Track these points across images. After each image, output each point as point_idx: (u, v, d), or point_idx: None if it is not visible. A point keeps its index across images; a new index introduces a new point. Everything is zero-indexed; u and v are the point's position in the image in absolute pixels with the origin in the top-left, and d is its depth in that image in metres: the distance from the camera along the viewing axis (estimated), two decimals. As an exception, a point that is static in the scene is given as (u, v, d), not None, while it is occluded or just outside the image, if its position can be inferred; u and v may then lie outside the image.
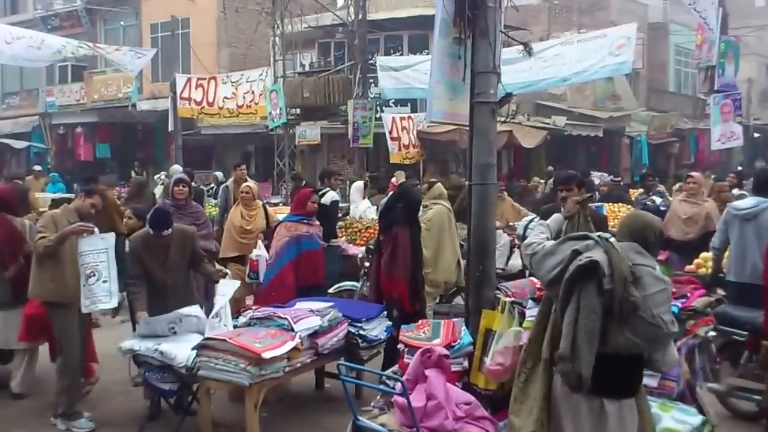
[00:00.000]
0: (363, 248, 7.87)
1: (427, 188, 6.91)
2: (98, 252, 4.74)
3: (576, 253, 3.03)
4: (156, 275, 5.08)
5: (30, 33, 11.21)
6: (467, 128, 4.89)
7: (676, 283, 4.72)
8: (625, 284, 2.91)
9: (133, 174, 17.89)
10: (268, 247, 6.94)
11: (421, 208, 6.61)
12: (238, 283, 5.56)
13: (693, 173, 8.07)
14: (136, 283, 5.03)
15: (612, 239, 3.10)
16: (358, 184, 11.51)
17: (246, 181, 8.40)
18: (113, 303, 4.86)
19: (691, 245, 7.16)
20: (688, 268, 6.74)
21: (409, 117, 16.14)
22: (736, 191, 9.22)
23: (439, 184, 7.25)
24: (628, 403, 3.13)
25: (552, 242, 3.26)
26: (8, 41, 10.11)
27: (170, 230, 4.99)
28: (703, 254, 6.80)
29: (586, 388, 2.94)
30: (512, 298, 4.41)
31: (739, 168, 16.94)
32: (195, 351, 4.42)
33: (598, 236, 3.09)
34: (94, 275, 4.72)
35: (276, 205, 14.41)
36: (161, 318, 4.78)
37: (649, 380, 3.73)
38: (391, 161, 15.97)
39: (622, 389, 3.11)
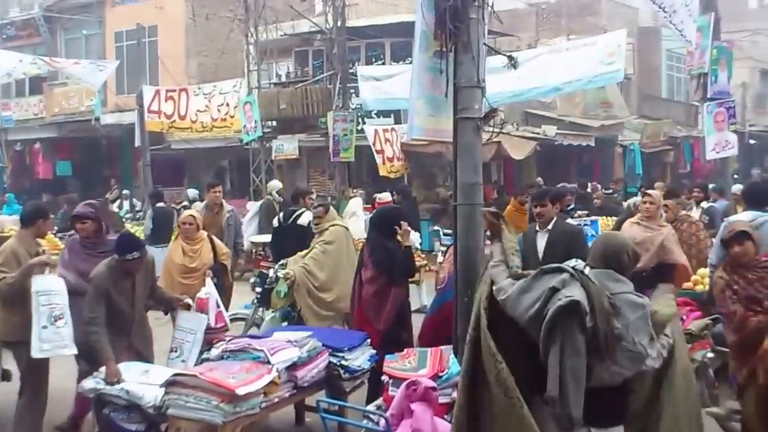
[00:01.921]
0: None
1: (324, 211, 6.95)
2: (64, 294, 4.73)
3: (553, 290, 3.08)
4: (124, 311, 4.95)
5: None
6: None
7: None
8: (608, 318, 2.96)
9: (108, 195, 17.69)
10: (222, 286, 6.48)
11: (315, 230, 6.76)
12: (205, 318, 5.46)
13: (650, 191, 7.15)
14: (99, 324, 4.74)
15: (587, 270, 3.15)
16: (358, 200, 11.58)
17: (221, 205, 7.99)
18: (74, 349, 4.81)
19: (643, 278, 5.64)
20: (685, 285, 6.79)
21: (393, 129, 16.20)
22: (705, 204, 9.29)
23: (332, 208, 7.31)
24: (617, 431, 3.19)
25: (527, 278, 3.28)
26: None
27: (139, 252, 4.89)
28: (701, 270, 6.85)
29: (579, 426, 2.97)
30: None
31: (735, 176, 17.19)
32: (164, 388, 4.36)
33: (573, 269, 3.14)
34: (62, 318, 4.68)
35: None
36: (133, 366, 4.73)
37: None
38: (380, 173, 16.02)
39: (610, 418, 3.16)
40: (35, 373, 4.75)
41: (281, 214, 7.79)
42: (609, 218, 10.66)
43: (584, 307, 2.97)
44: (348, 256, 6.73)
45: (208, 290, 5.66)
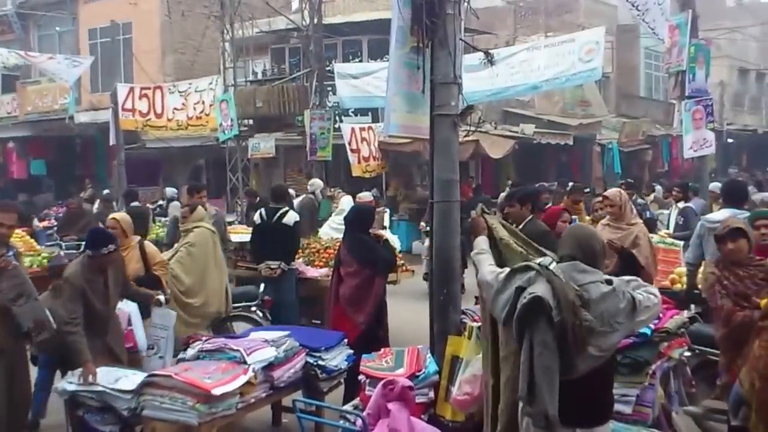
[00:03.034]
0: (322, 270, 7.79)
1: (189, 211, 6.85)
2: None
3: (520, 290, 3.10)
4: (99, 310, 4.90)
5: None
6: (430, 140, 4.93)
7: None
8: (574, 311, 2.98)
9: (83, 194, 17.40)
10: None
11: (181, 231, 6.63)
12: (174, 314, 5.35)
13: (607, 192, 6.83)
14: (78, 324, 4.70)
15: (553, 265, 3.16)
16: (348, 198, 11.54)
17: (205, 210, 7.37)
18: None
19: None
20: (663, 284, 6.86)
21: (370, 127, 16.17)
22: (681, 204, 9.33)
23: (201, 208, 7.09)
24: (603, 430, 3.18)
25: (502, 276, 3.31)
26: None
27: (112, 247, 4.86)
28: (678, 269, 6.93)
29: (556, 425, 2.97)
30: (479, 323, 4.43)
31: (712, 175, 17.40)
32: (138, 389, 4.31)
33: (539, 264, 3.16)
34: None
35: (231, 223, 14.27)
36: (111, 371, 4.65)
37: (623, 407, 3.79)
38: (353, 174, 15.99)
39: (595, 416, 3.17)
40: None
41: (263, 212, 7.66)
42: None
43: (548, 302, 2.98)
44: (215, 258, 6.61)
45: (121, 307, 5.27)
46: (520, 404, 3.09)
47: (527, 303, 3.01)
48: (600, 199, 7.56)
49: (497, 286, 3.26)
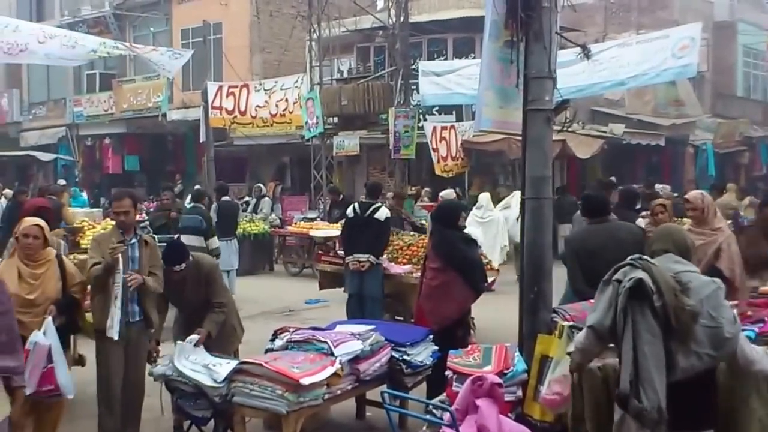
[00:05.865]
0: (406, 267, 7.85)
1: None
2: None
3: (617, 283, 3.06)
4: (174, 303, 5.28)
5: (63, 32, 11.54)
6: (517, 137, 4.88)
7: (752, 306, 4.60)
8: (675, 294, 2.92)
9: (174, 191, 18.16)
10: (71, 328, 4.73)
11: None
12: None
13: (688, 194, 6.29)
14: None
15: (645, 257, 3.13)
16: (487, 195, 11.70)
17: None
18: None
19: None
20: (762, 289, 6.53)
21: (452, 126, 16.11)
22: None
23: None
24: None
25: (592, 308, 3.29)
26: (41, 40, 10.30)
27: (183, 266, 5.04)
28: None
29: (665, 420, 2.87)
30: (571, 322, 4.34)
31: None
32: (229, 376, 4.45)
33: (631, 260, 3.11)
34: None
35: (313, 220, 14.52)
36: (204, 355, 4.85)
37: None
38: (435, 172, 16.00)
39: (701, 420, 3.06)
40: (103, 365, 4.82)
41: (356, 206, 7.80)
42: (678, 219, 10.30)
43: (649, 286, 2.92)
44: None
45: (36, 339, 4.21)
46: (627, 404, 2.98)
47: (628, 289, 2.96)
48: (658, 202, 7.29)
49: (592, 310, 3.23)
